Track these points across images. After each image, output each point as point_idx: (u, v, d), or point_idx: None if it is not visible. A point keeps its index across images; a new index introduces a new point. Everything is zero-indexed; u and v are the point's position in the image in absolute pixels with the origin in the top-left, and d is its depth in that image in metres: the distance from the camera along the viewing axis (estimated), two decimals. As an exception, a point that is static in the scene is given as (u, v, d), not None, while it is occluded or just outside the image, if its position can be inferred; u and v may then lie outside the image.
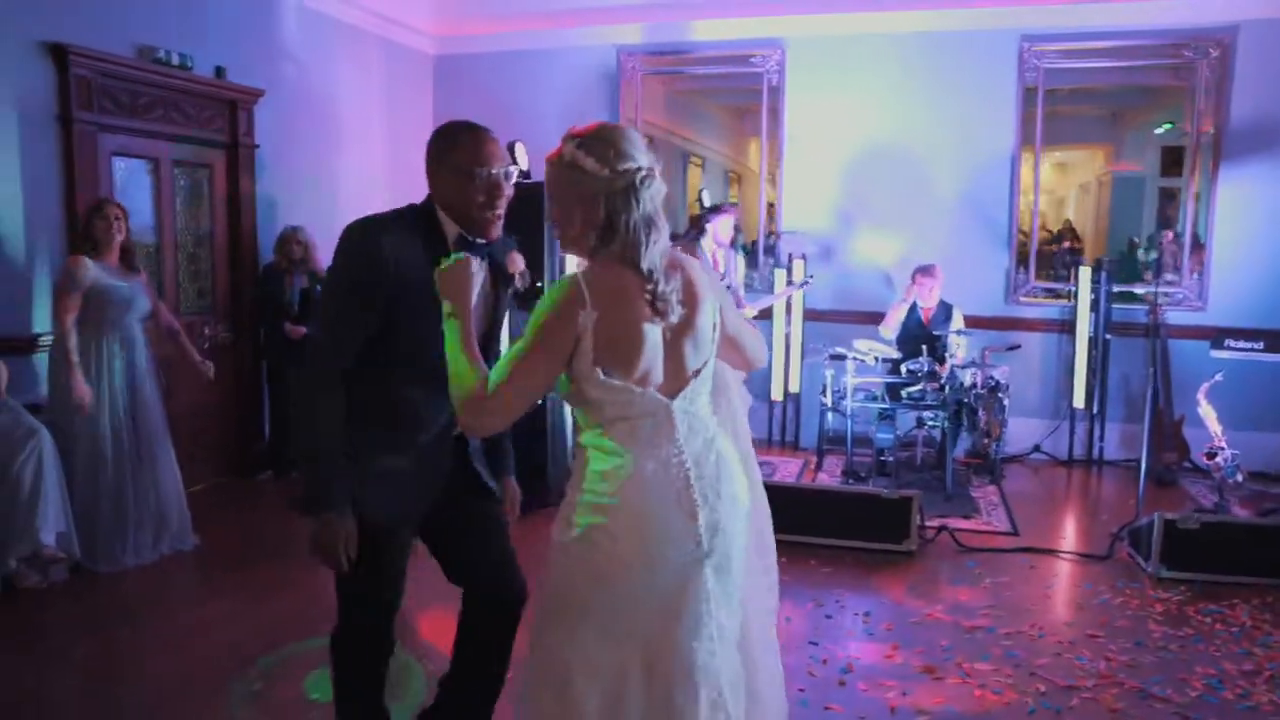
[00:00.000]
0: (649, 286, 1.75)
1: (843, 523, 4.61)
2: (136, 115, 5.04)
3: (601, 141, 1.76)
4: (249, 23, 5.73)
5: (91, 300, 4.17)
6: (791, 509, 4.64)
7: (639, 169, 1.76)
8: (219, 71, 5.49)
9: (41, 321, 4.55)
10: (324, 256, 5.67)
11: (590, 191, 1.75)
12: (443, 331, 1.85)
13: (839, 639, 3.65)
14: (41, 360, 4.45)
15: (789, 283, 6.46)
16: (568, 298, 1.71)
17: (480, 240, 2.13)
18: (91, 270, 4.16)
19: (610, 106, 7.12)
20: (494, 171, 2.09)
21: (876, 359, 5.60)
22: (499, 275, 2.21)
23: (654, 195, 1.78)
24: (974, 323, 6.21)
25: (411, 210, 2.18)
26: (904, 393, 5.55)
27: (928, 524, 4.81)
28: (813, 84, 6.70)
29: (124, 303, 4.25)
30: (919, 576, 4.34)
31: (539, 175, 5.42)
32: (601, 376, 1.72)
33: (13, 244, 4.48)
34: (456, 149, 2.10)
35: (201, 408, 5.59)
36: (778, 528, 4.58)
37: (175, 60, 5.15)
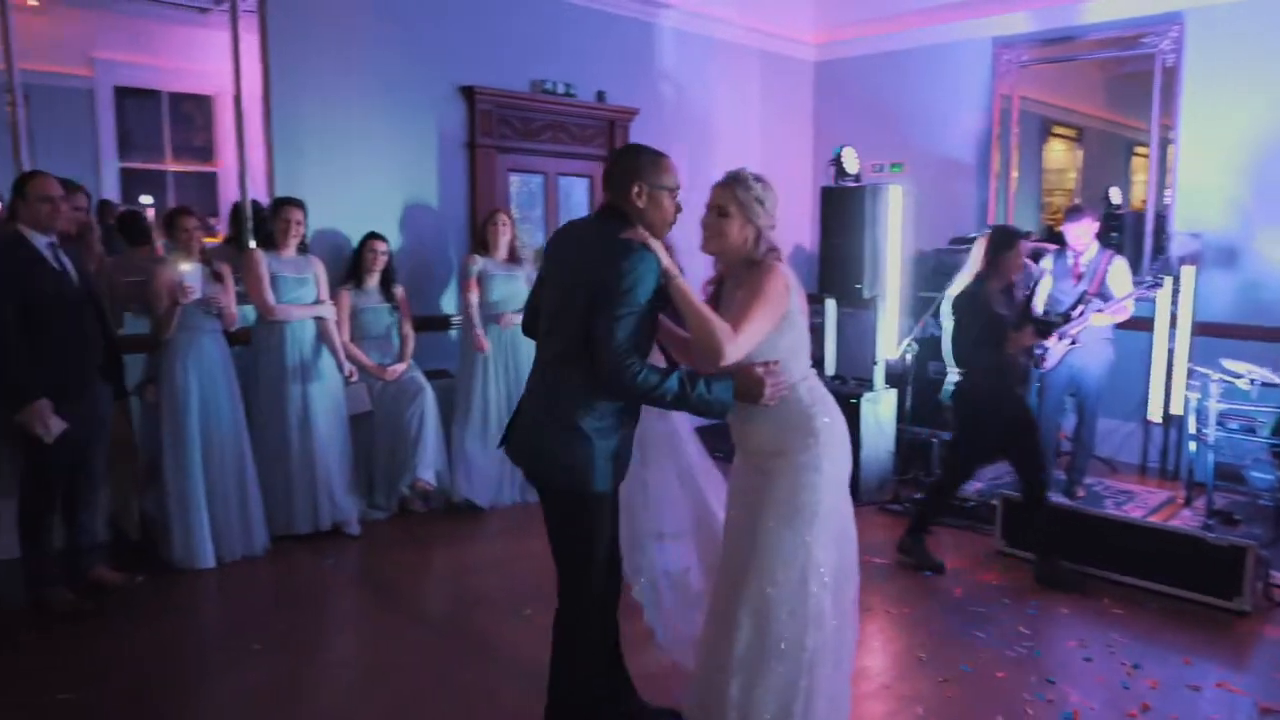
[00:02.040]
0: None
1: (1158, 566, 4.07)
2: (529, 138, 6.08)
3: (768, 192, 2.52)
4: (627, 51, 6.53)
5: (482, 286, 5.24)
6: (1098, 541, 4.24)
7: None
8: (600, 96, 6.36)
9: (451, 305, 5.76)
10: (684, 260, 6.31)
11: (760, 224, 2.49)
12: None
13: (1081, 683, 3.33)
14: (446, 337, 5.66)
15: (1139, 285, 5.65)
16: (786, 278, 2.46)
17: None
18: (479, 263, 5.25)
19: (985, 98, 6.81)
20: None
21: (1253, 382, 4.73)
22: None
23: None
24: None
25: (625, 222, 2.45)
26: (1289, 426, 4.64)
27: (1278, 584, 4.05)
28: (1216, 62, 5.77)
29: (503, 287, 5.26)
30: (1235, 641, 3.71)
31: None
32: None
33: (432, 244, 5.70)
34: (664, 172, 2.48)
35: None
36: (1082, 559, 4.44)
37: (561, 89, 6.09)
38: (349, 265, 5.15)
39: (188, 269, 4.15)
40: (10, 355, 3.44)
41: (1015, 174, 6.80)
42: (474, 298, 5.21)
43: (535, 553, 4.68)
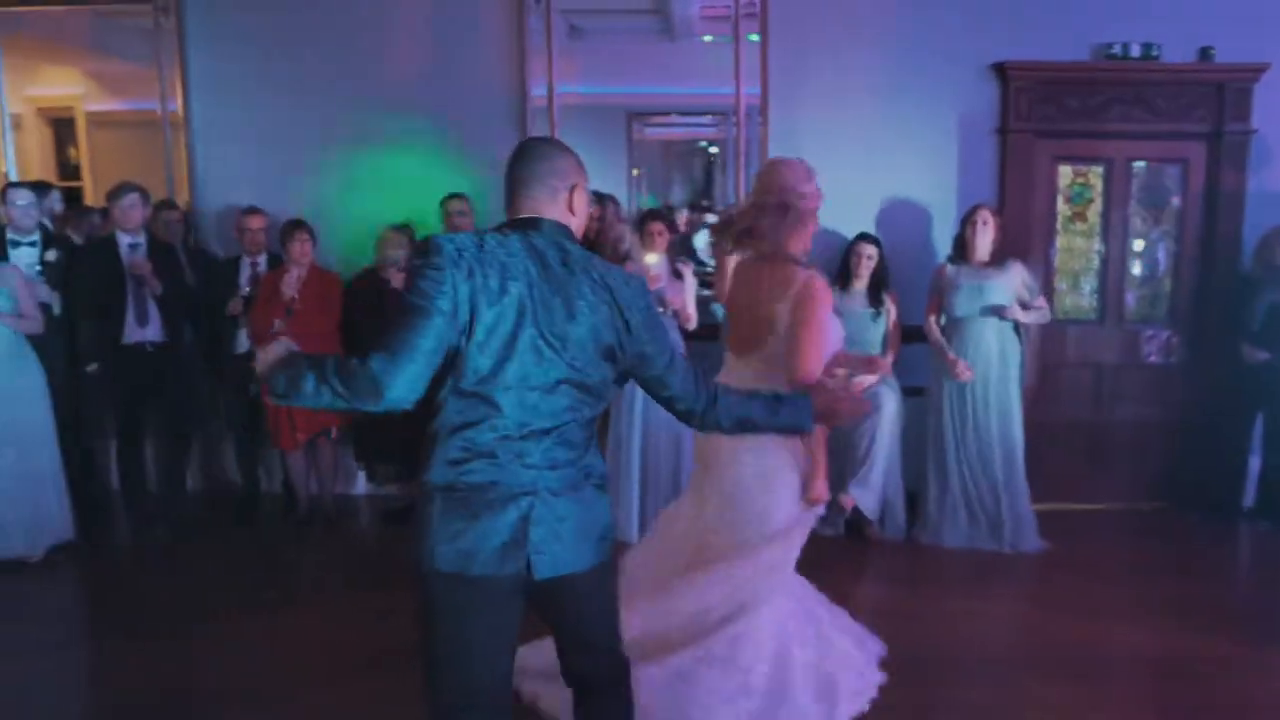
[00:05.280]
0: None
1: None
2: (1086, 117, 5.00)
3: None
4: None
5: (944, 298, 4.69)
6: None
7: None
8: (1204, 53, 4.89)
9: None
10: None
11: None
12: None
13: None
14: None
15: None
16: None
17: None
18: (947, 274, 4.70)
19: None
20: None
21: None
22: None
23: None
24: None
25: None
26: None
27: None
28: None
29: (966, 302, 4.61)
30: None
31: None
32: None
33: (944, 246, 5.11)
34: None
35: (1143, 422, 5.21)
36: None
37: (1135, 53, 4.87)
38: (837, 267, 4.98)
39: (653, 260, 4.53)
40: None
41: None
42: (932, 315, 4.72)
43: (939, 615, 3.80)
